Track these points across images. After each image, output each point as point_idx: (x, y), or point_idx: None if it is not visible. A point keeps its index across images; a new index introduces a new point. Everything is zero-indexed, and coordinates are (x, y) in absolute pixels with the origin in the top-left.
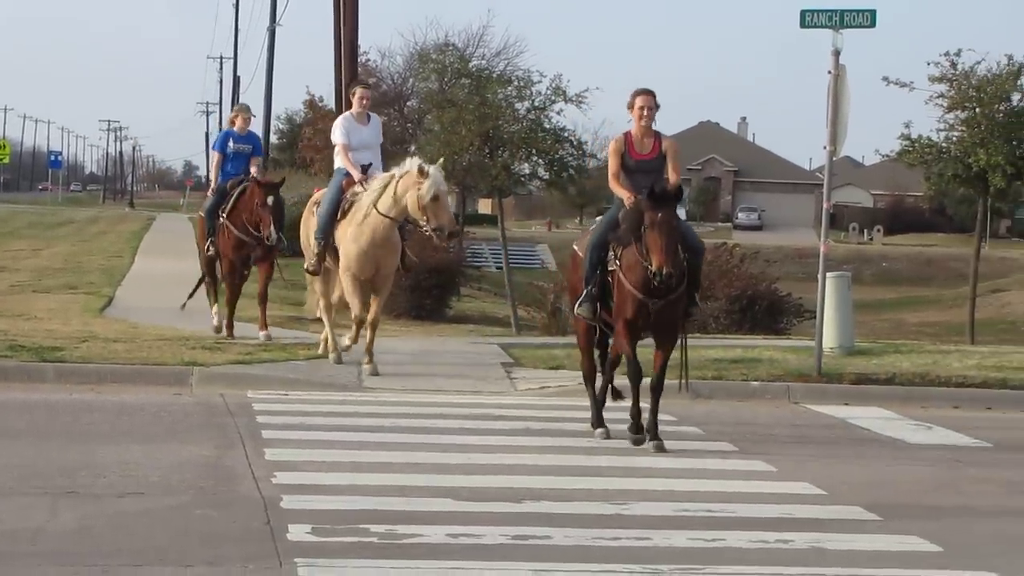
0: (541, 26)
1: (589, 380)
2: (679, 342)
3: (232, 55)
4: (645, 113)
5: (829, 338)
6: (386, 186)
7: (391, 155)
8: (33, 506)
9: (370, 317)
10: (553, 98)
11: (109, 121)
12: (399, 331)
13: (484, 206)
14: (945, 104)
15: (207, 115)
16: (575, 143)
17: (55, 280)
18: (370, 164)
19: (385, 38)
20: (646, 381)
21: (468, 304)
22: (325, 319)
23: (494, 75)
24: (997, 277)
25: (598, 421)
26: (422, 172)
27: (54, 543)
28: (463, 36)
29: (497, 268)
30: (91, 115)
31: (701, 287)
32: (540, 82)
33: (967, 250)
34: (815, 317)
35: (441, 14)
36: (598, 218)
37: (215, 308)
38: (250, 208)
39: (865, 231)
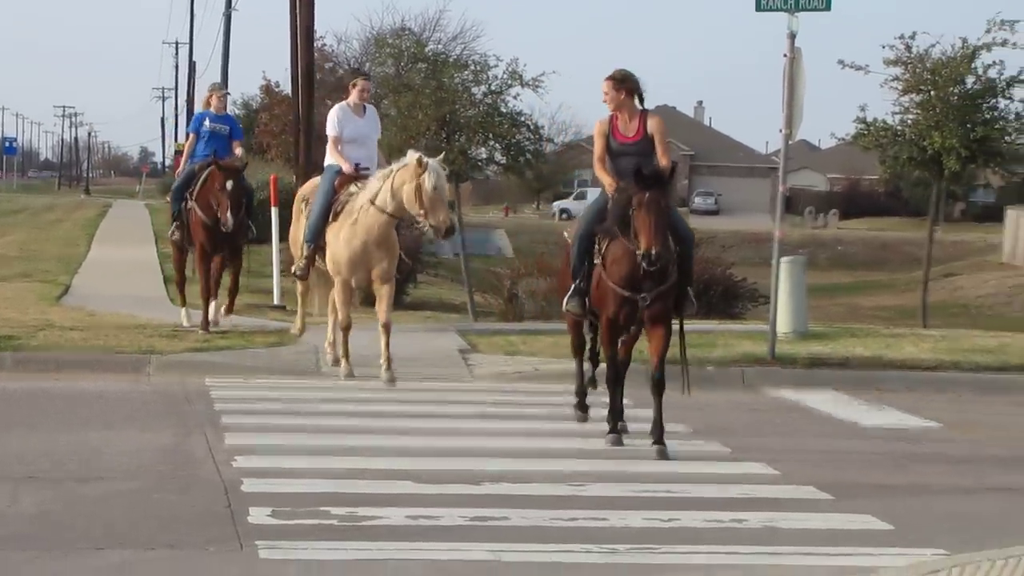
0: (498, 11)
1: (578, 352)
2: (677, 339)
3: (188, 40)
4: (607, 99)
5: (783, 323)
6: (387, 182)
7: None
8: None
9: (382, 320)
10: (510, 82)
11: (64, 107)
12: (356, 318)
13: None
14: (900, 87)
15: (163, 100)
16: (532, 127)
17: (10, 269)
18: (367, 168)
19: (341, 23)
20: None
21: (425, 291)
22: (329, 331)
23: (451, 59)
24: (951, 260)
25: (581, 405)
26: (420, 163)
27: (15, 527)
28: (419, 21)
29: (455, 255)
30: (46, 101)
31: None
32: (496, 66)
33: (921, 234)
34: (769, 302)
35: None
36: (556, 203)
37: (184, 311)
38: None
39: (821, 215)
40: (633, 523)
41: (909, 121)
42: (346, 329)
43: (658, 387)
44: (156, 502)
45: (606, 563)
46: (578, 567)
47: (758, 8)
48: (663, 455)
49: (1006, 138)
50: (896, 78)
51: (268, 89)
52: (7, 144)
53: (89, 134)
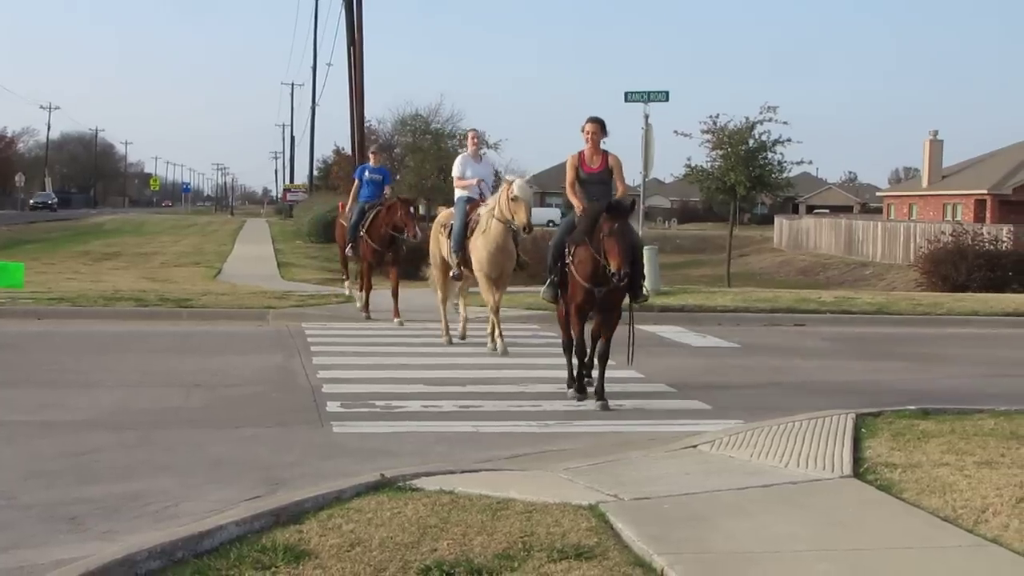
0: (474, 102)
1: (567, 350)
2: (626, 322)
3: (291, 123)
4: (591, 137)
5: (647, 284)
6: (499, 198)
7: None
8: (175, 394)
9: (494, 304)
10: (482, 143)
11: (218, 164)
12: (387, 286)
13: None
14: (710, 145)
15: (276, 160)
16: (495, 172)
17: (187, 259)
18: (479, 194)
19: (380, 111)
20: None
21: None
22: (441, 311)
23: (445, 132)
24: (743, 247)
25: (573, 384)
26: (509, 183)
27: (188, 415)
28: (426, 109)
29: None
30: (207, 159)
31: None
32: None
33: (726, 232)
34: None
35: (413, 96)
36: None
37: (348, 284)
38: (387, 222)
39: (666, 222)
40: (558, 407)
41: (716, 166)
42: (495, 311)
43: (603, 357)
44: (272, 399)
45: (541, 432)
46: (525, 434)
47: (626, 100)
48: (605, 408)
49: (772, 176)
50: (708, 140)
51: (337, 151)
52: (184, 186)
53: (232, 179)
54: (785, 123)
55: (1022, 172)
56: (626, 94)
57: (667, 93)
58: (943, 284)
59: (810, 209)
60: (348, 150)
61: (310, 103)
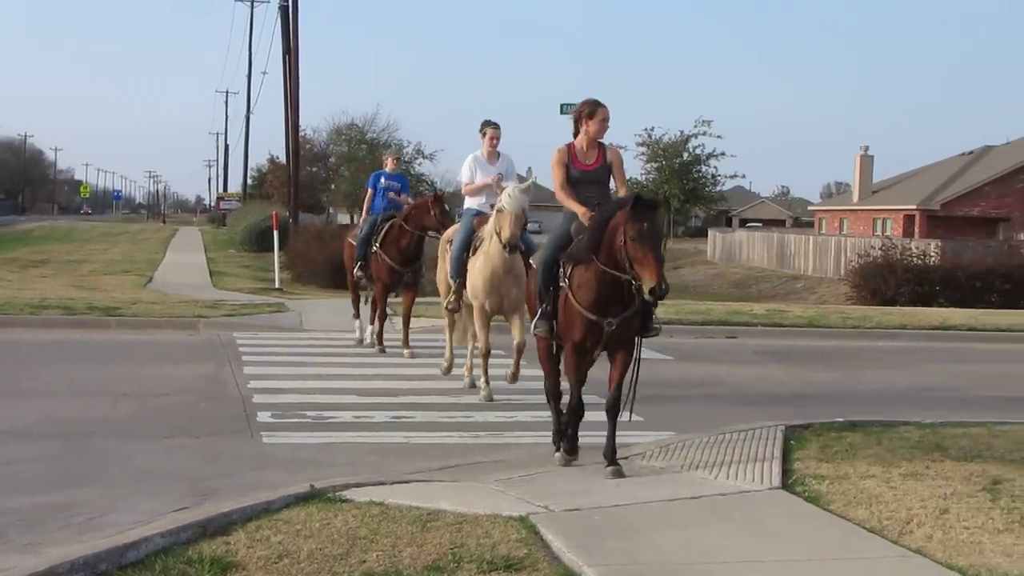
0: (410, 112)
1: (553, 397)
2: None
3: (224, 131)
4: (602, 124)
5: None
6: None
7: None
8: (102, 403)
9: (516, 342)
10: (416, 155)
11: (150, 172)
12: (323, 295)
13: None
14: (645, 158)
15: (209, 167)
16: (430, 183)
17: (116, 267)
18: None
19: (315, 120)
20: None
21: None
22: (447, 338)
23: (381, 142)
24: (677, 259)
25: (559, 442)
26: (501, 190)
27: (115, 424)
28: (362, 119)
29: None
30: (139, 166)
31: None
32: (408, 146)
33: None
34: None
35: (348, 105)
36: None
37: (357, 323)
38: (416, 228)
39: None
40: (489, 418)
41: (651, 178)
42: (485, 355)
43: (614, 409)
44: (201, 409)
45: (473, 443)
46: (456, 446)
47: (561, 112)
48: (618, 475)
49: (706, 189)
50: (643, 153)
51: (272, 160)
52: (115, 193)
53: (165, 186)
54: (719, 137)
55: (950, 188)
56: (561, 106)
57: (605, 107)
58: (872, 298)
59: (743, 222)
60: (283, 159)
61: (244, 111)
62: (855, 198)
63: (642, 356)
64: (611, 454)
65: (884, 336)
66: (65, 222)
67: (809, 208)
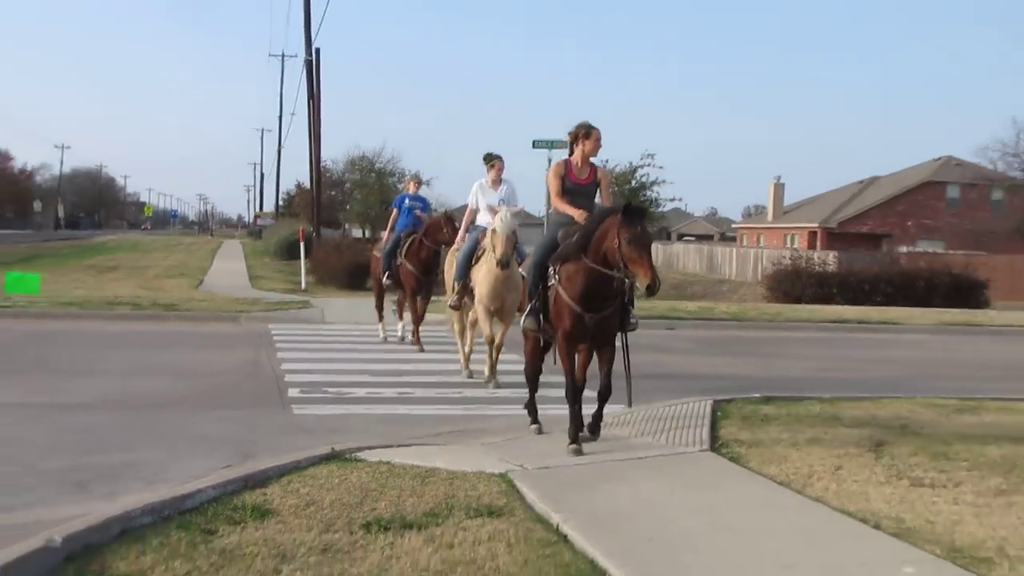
0: (409, 146)
1: (531, 380)
2: (620, 355)
3: (260, 161)
4: (596, 144)
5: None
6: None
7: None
8: (163, 382)
9: (496, 341)
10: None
11: (200, 194)
12: (340, 295)
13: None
14: None
15: (249, 192)
16: (427, 204)
17: (174, 272)
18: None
19: (334, 152)
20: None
21: None
22: (459, 342)
23: (387, 171)
24: None
25: (535, 418)
26: (495, 214)
27: (174, 398)
28: (371, 151)
29: None
30: (191, 189)
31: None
32: (408, 174)
33: None
34: None
35: (360, 140)
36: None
37: (380, 325)
38: (432, 243)
39: None
40: (478, 395)
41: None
42: (491, 343)
43: (604, 394)
44: (243, 386)
45: (463, 414)
46: (450, 416)
47: (534, 147)
48: (592, 440)
49: (650, 211)
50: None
51: (299, 186)
52: (172, 212)
53: (212, 207)
54: (661, 167)
55: (845, 210)
56: (533, 142)
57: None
58: (784, 297)
59: (680, 237)
60: (307, 184)
61: (276, 146)
62: (769, 217)
63: None
64: (596, 428)
65: (792, 328)
66: (132, 236)
67: (733, 226)
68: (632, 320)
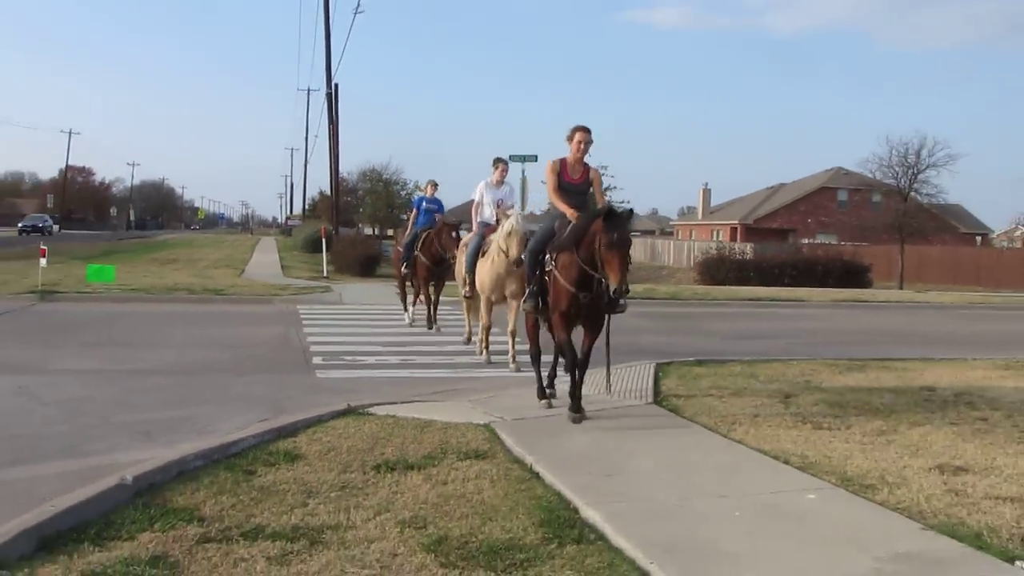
0: (410, 160)
1: (536, 360)
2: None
3: (290, 172)
4: (583, 147)
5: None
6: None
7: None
8: (213, 352)
9: (510, 327)
10: (415, 188)
11: (243, 201)
12: (354, 281)
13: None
14: None
15: (281, 198)
16: (442, 206)
17: (221, 263)
18: (498, 220)
19: (349, 165)
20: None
21: (383, 270)
22: (480, 330)
23: (392, 181)
24: None
25: (542, 394)
26: (507, 217)
27: (221, 366)
28: (379, 164)
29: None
30: (235, 196)
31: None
32: (411, 182)
33: None
34: None
35: (371, 155)
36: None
37: (406, 314)
38: (440, 242)
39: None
40: (466, 361)
41: None
42: (487, 329)
43: (582, 366)
44: (275, 356)
45: (455, 376)
46: (444, 378)
47: (509, 160)
48: (580, 420)
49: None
50: None
51: (321, 193)
52: (220, 215)
53: (252, 210)
54: (613, 176)
55: (759, 210)
56: (511, 156)
57: (536, 156)
58: (711, 280)
59: None
60: (328, 191)
61: (303, 161)
62: (699, 216)
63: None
64: (576, 402)
65: (719, 305)
66: (187, 235)
67: (671, 223)
68: (621, 303)
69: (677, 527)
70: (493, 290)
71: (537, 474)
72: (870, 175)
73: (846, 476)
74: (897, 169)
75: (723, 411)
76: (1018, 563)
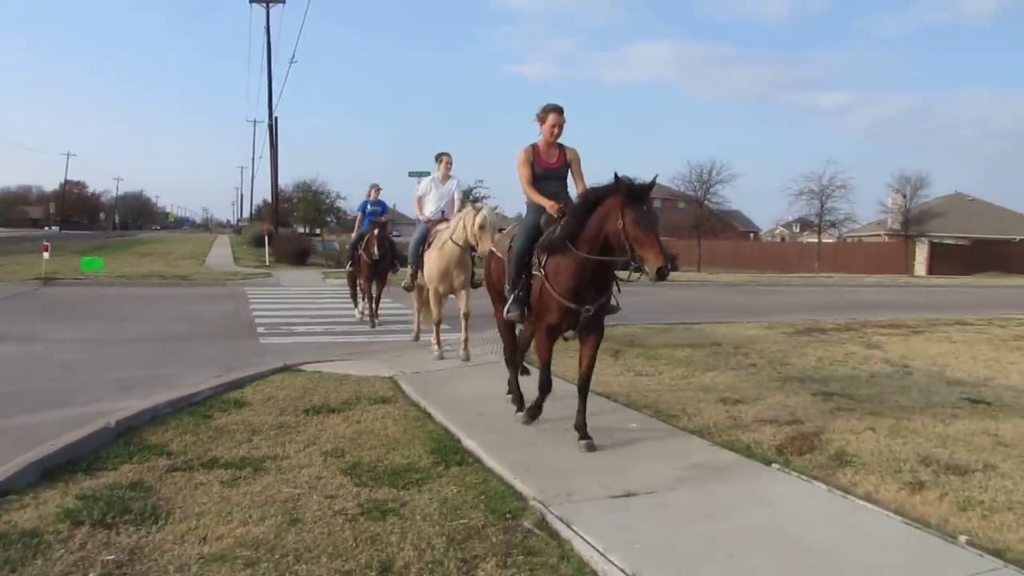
0: (333, 174)
1: (512, 364)
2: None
3: (241, 183)
4: (556, 131)
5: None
6: (459, 223)
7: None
8: (179, 325)
9: (463, 311)
10: (337, 197)
11: (204, 207)
12: (289, 269)
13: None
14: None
15: (234, 205)
16: (385, 207)
17: (186, 255)
18: (442, 212)
19: (287, 178)
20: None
21: (313, 260)
22: (433, 325)
23: (318, 191)
24: None
25: (520, 404)
26: (477, 211)
27: (185, 335)
28: (310, 178)
29: (323, 248)
30: (197, 202)
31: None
32: (333, 193)
33: None
34: None
35: (303, 172)
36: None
37: (359, 306)
38: (372, 240)
39: None
40: (378, 332)
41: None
42: (437, 324)
43: (584, 388)
44: (228, 327)
45: (368, 342)
46: (359, 343)
47: (409, 176)
48: (591, 448)
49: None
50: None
51: (265, 201)
52: (186, 218)
53: (211, 214)
54: (487, 187)
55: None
56: (409, 173)
57: (430, 173)
58: None
59: (500, 230)
60: (270, 199)
61: (251, 176)
62: None
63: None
64: (582, 428)
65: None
66: (159, 234)
67: None
68: (613, 303)
69: (534, 452)
70: (441, 281)
71: (429, 414)
72: (676, 188)
73: (659, 410)
74: (695, 183)
75: (570, 365)
76: (961, 537)
